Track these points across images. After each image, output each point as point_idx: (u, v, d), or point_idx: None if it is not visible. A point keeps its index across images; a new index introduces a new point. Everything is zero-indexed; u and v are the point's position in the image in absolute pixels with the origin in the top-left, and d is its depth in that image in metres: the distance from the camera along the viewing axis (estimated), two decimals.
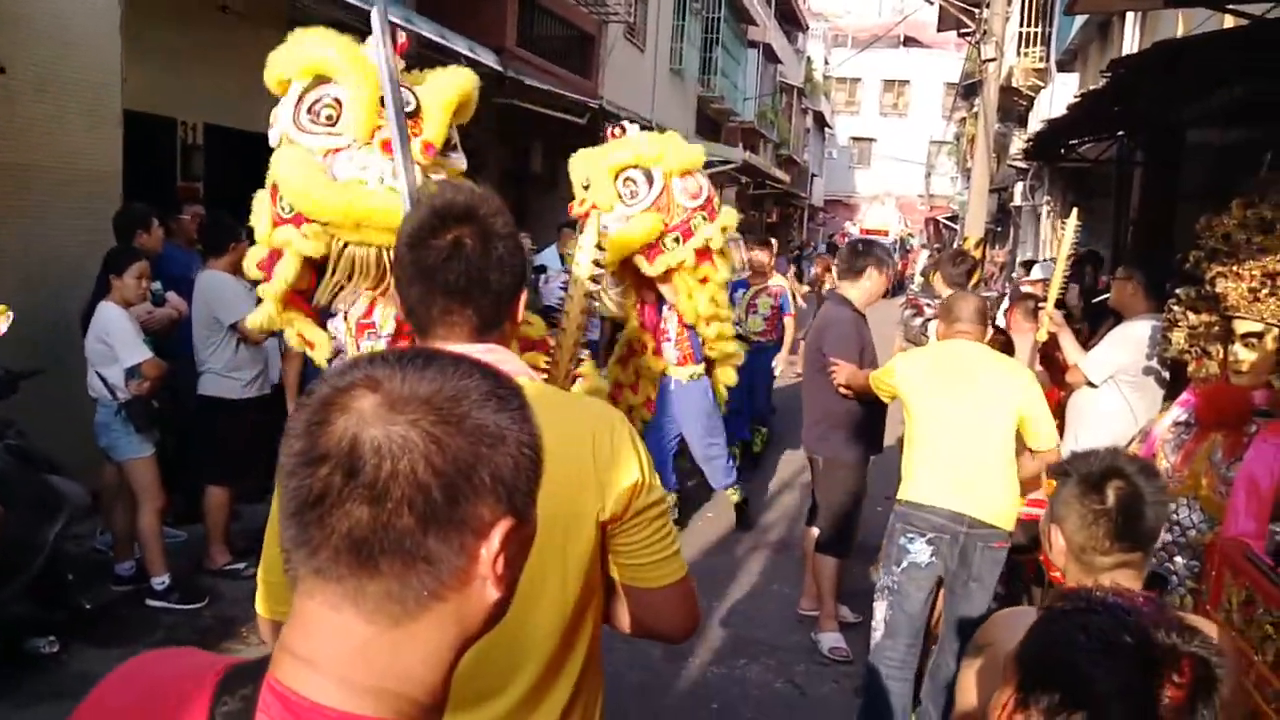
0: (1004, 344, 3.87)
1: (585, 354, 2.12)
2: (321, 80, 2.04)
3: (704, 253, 3.44)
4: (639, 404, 3.91)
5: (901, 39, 35.09)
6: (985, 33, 10.86)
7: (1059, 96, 12.02)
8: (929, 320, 4.88)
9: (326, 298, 2.10)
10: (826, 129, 35.78)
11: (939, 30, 19.42)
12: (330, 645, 0.60)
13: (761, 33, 21.21)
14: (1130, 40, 9.49)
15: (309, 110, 2.03)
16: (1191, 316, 2.41)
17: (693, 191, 2.88)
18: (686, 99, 16.83)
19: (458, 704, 0.69)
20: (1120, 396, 3.51)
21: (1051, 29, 14.27)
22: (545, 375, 1.81)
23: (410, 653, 0.61)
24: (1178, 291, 2.51)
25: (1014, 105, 16.31)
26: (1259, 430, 2.14)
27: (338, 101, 2.01)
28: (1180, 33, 6.45)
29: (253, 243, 2.23)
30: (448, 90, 2.09)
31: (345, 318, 2.14)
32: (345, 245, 2.03)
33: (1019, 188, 17.28)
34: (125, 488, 3.83)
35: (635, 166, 2.62)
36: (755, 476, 6.00)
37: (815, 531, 3.96)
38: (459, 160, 2.17)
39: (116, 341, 3.58)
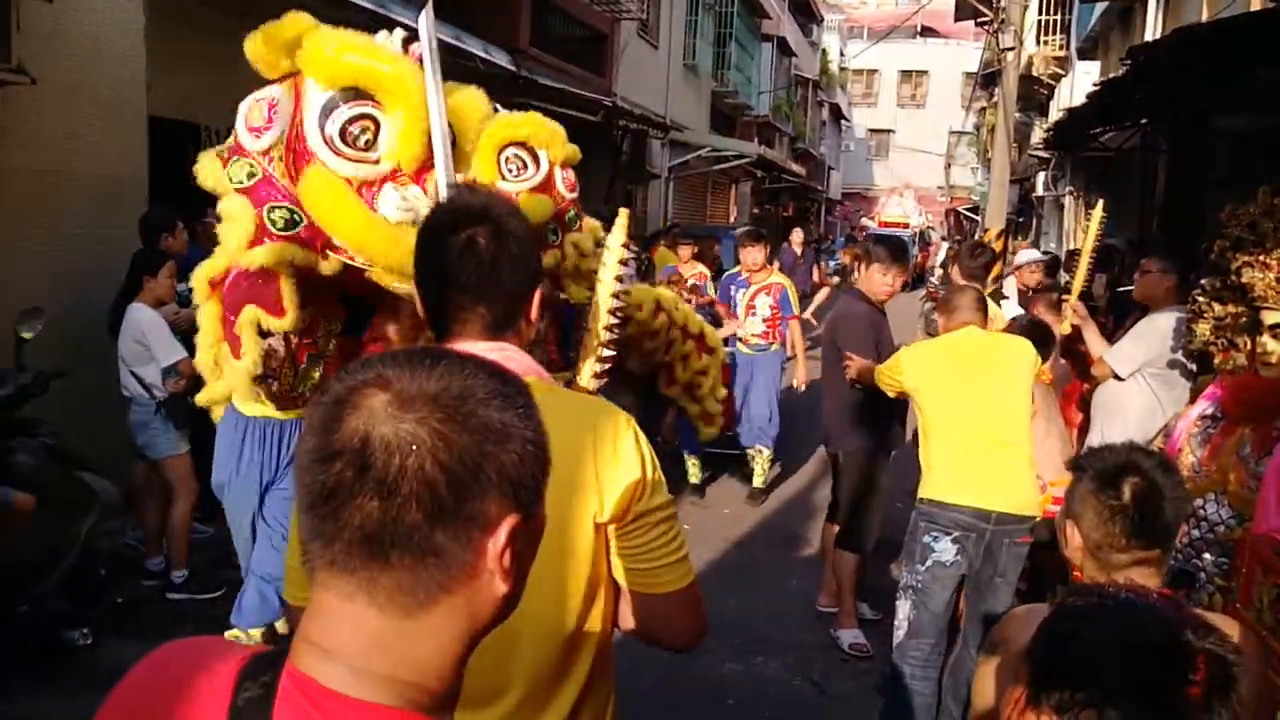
0: (1043, 333, 3.78)
1: (611, 353, 2.10)
2: (356, 95, 1.97)
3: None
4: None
5: (919, 29, 34.78)
6: (1004, 21, 10.73)
7: (1080, 85, 11.86)
8: None
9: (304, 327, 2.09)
10: (843, 121, 35.53)
11: (956, 19, 19.20)
12: (345, 635, 0.62)
13: (775, 26, 21.09)
14: (1153, 26, 9.34)
15: (342, 133, 1.95)
16: (1217, 307, 2.36)
17: (570, 184, 2.70)
18: (701, 94, 16.78)
19: (459, 703, 0.70)
20: (1148, 390, 3.46)
21: (1071, 16, 14.07)
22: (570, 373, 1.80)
23: (423, 643, 0.63)
24: (1202, 282, 2.46)
25: (1034, 94, 16.11)
26: None
27: (374, 123, 1.94)
28: (1204, 17, 6.34)
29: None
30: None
31: (285, 337, 2.13)
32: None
33: (1041, 177, 17.08)
34: (155, 485, 3.91)
35: (521, 144, 2.39)
36: (775, 473, 5.96)
37: (835, 528, 3.95)
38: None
39: (153, 342, 3.66)
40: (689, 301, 6.84)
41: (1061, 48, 14.41)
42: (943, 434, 2.89)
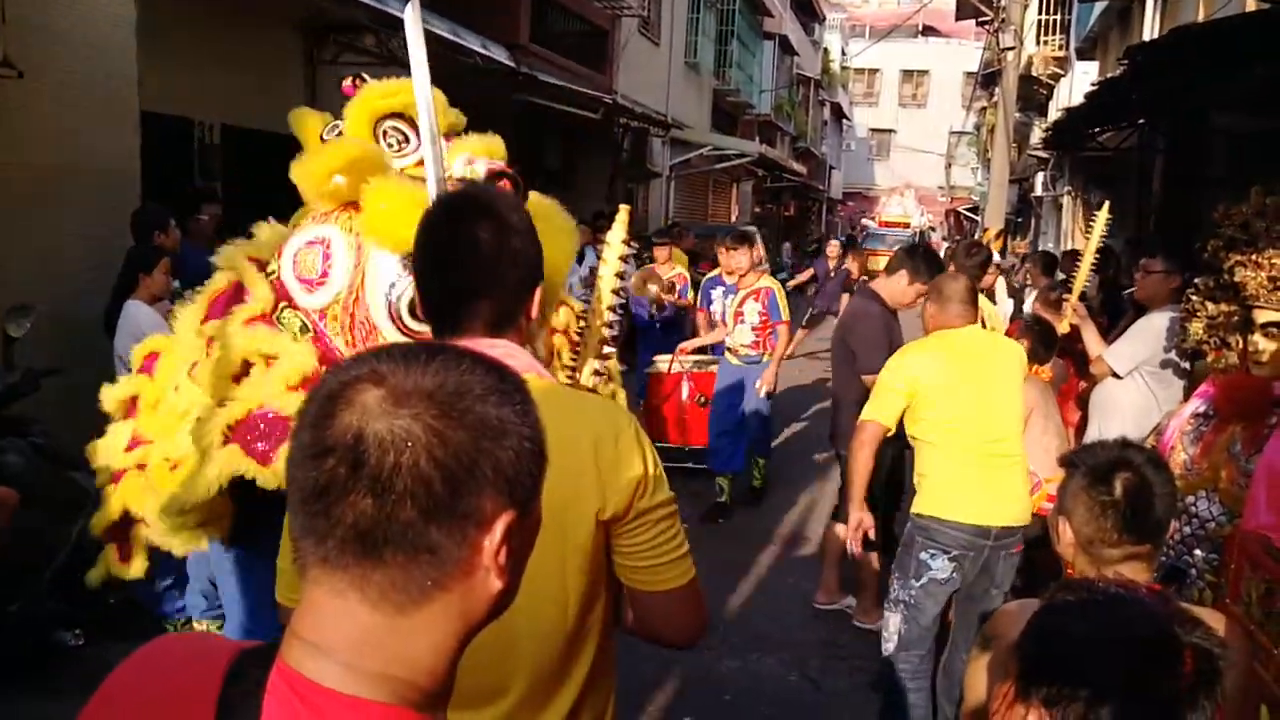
0: (1050, 333, 3.76)
1: (611, 350, 2.07)
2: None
3: None
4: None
5: (920, 28, 34.75)
6: (1004, 21, 10.73)
7: (1079, 85, 11.86)
8: None
9: None
10: (844, 121, 35.55)
11: (958, 19, 19.22)
12: (337, 631, 0.62)
13: (777, 24, 21.11)
14: (1151, 26, 9.34)
15: (412, 306, 1.82)
16: (1210, 306, 2.37)
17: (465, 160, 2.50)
18: (702, 92, 16.79)
19: (457, 702, 0.70)
20: (1145, 388, 3.46)
21: (1071, 16, 14.07)
22: (570, 369, 1.78)
23: (416, 640, 0.63)
24: (1196, 281, 2.46)
25: (1034, 94, 16.11)
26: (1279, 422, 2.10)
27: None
28: (1201, 17, 6.34)
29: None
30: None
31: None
32: None
33: (1040, 178, 17.08)
34: None
35: (400, 115, 2.14)
36: (771, 471, 5.94)
37: (840, 528, 3.86)
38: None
39: (153, 338, 3.65)
40: (665, 305, 6.66)
41: (1061, 48, 14.41)
42: (943, 441, 2.75)
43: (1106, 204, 4.05)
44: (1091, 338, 3.71)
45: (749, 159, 16.25)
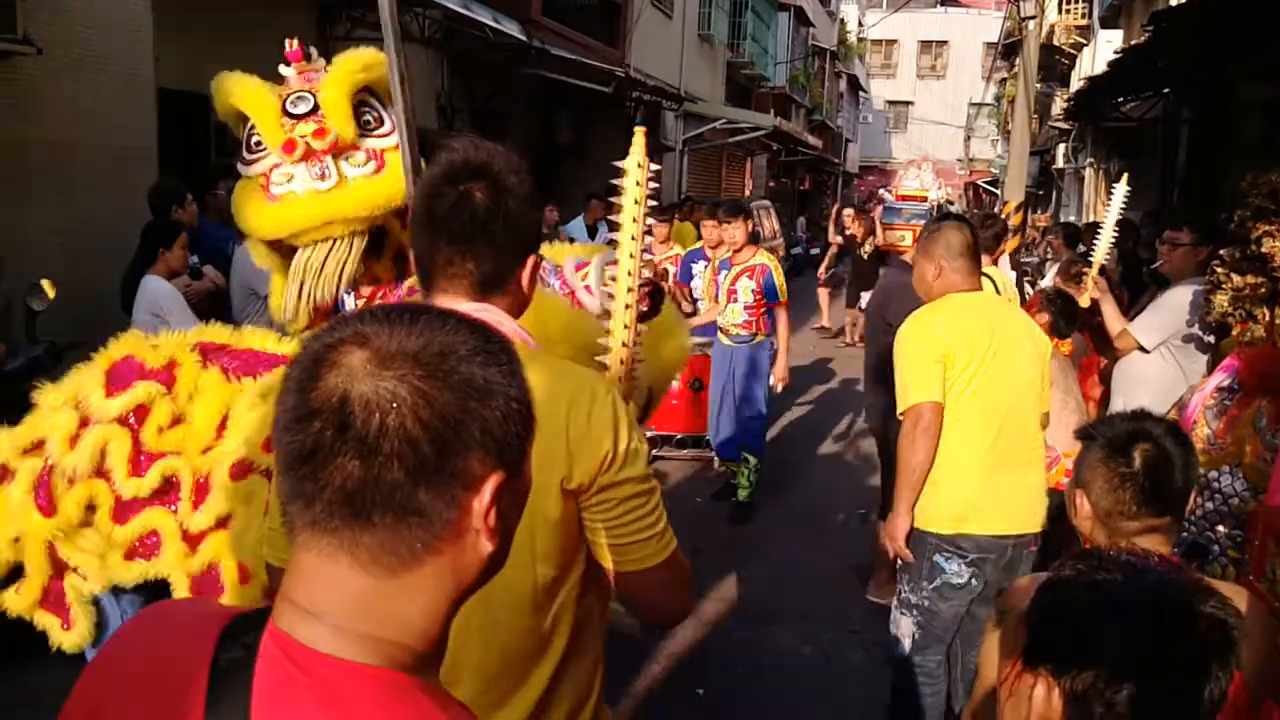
0: (1073, 305, 3.69)
1: (644, 328, 1.61)
2: (243, 117, 2.10)
3: None
4: None
5: None
6: None
7: (1102, 54, 11.61)
8: None
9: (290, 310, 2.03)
10: (861, 93, 35.00)
11: None
12: (328, 595, 0.62)
13: None
14: None
15: (246, 145, 2.06)
16: (1236, 278, 2.32)
17: None
18: (716, 65, 16.57)
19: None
20: (1172, 361, 3.42)
21: None
22: (603, 355, 1.58)
23: (407, 603, 0.63)
24: (1221, 253, 2.42)
25: (1056, 64, 15.81)
26: None
27: (254, 127, 2.03)
28: None
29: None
30: (336, 76, 1.99)
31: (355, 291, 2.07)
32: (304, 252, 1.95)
33: (1061, 149, 16.80)
34: None
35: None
36: (783, 446, 5.92)
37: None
38: (390, 138, 1.99)
39: (172, 313, 3.67)
40: (664, 286, 6.37)
41: (1083, 16, 14.10)
42: (964, 435, 2.40)
43: (1125, 175, 3.98)
44: (1111, 313, 3.66)
45: (763, 132, 16.06)
